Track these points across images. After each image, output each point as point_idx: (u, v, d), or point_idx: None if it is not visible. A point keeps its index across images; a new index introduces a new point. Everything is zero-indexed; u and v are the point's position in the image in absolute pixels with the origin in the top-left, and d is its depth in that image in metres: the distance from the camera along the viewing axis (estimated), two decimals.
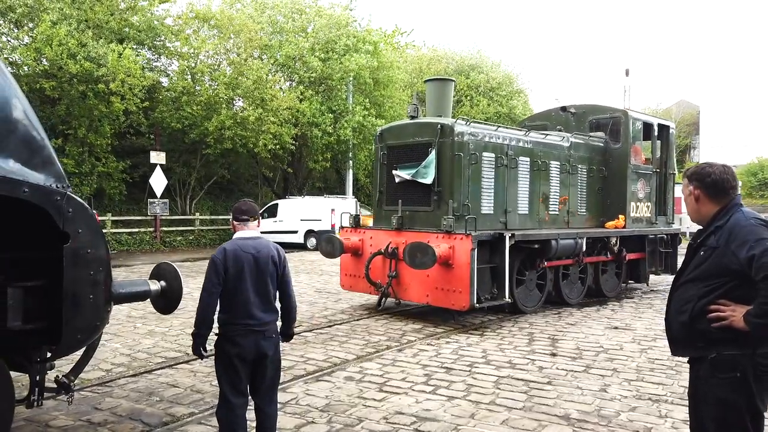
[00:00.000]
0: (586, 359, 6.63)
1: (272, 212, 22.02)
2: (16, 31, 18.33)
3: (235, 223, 3.85)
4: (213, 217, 23.61)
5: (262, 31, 23.47)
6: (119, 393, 5.38)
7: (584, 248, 9.77)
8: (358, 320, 8.73)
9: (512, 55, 79.03)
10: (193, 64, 21.46)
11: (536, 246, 9.00)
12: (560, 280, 9.90)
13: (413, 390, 5.49)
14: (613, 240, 10.78)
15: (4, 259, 3.53)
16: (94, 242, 3.59)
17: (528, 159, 9.71)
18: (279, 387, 4.81)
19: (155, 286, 4.26)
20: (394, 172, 9.16)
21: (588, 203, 10.96)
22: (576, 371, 6.15)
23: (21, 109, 3.49)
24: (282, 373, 5.80)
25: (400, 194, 9.12)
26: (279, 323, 3.95)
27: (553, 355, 6.82)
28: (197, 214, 23.23)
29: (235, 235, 3.85)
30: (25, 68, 18.07)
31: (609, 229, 10.82)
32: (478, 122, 9.68)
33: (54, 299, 3.60)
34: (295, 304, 3.96)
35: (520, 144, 9.63)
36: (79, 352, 4.10)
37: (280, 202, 22.62)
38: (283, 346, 4.17)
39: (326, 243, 9.37)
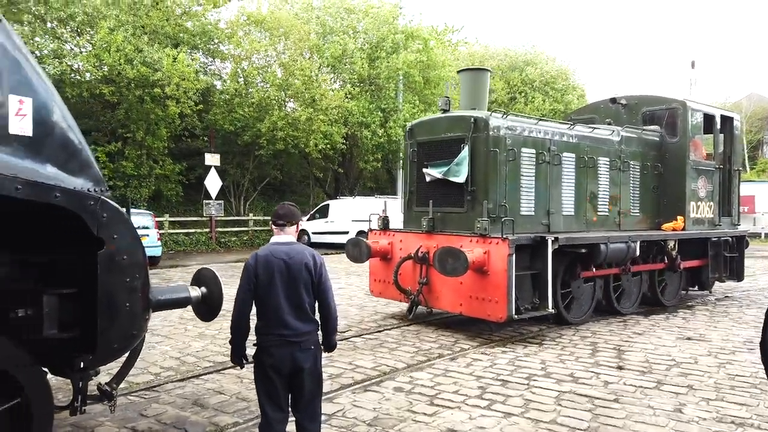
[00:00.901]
0: (656, 374, 6.08)
1: (323, 213, 22.05)
2: (77, 38, 19.03)
3: (273, 227, 3.71)
4: (266, 217, 23.88)
5: (312, 33, 23.54)
6: (165, 399, 5.31)
7: (637, 252, 8.94)
8: (408, 326, 8.42)
9: (569, 50, 76.82)
10: (245, 66, 21.75)
11: (583, 251, 8.27)
12: (610, 288, 9.13)
13: (466, 404, 5.14)
14: (671, 243, 9.86)
15: (39, 265, 3.43)
16: (131, 248, 3.44)
17: (573, 155, 8.97)
18: (325, 397, 4.58)
19: (195, 292, 4.11)
20: (424, 170, 8.57)
21: (642, 203, 10.12)
22: (646, 387, 5.63)
23: (59, 113, 3.39)
24: (329, 382, 5.62)
25: (431, 194, 8.48)
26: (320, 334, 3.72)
27: (620, 368, 6.30)
28: (251, 214, 23.58)
29: (270, 240, 3.71)
30: (87, 75, 18.76)
31: (666, 231, 9.99)
32: (517, 115, 8.96)
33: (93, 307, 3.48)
34: (335, 314, 3.72)
35: (564, 139, 8.89)
36: (123, 358, 4.00)
37: (331, 202, 22.64)
38: (330, 353, 3.93)
39: (353, 247, 8.87)
